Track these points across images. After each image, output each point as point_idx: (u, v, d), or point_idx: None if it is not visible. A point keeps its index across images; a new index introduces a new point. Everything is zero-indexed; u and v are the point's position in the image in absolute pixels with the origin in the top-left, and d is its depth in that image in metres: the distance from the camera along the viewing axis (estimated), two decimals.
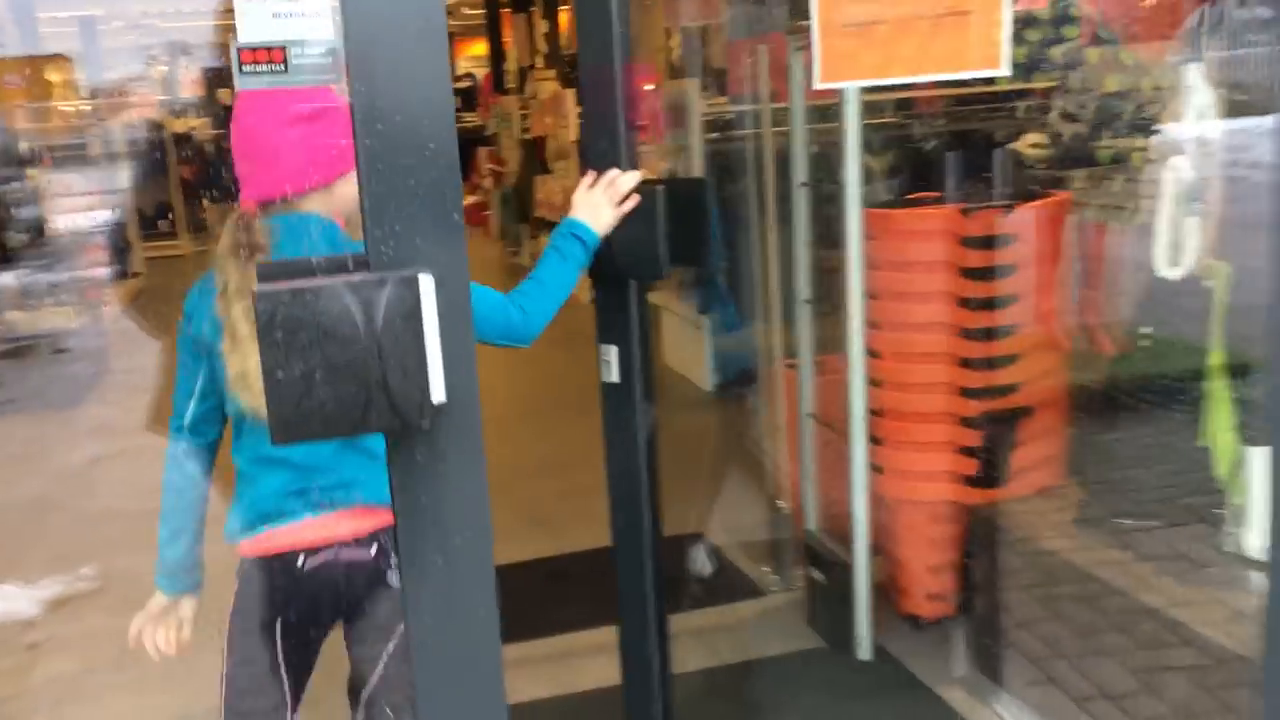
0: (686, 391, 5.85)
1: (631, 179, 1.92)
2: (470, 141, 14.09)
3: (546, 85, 9.45)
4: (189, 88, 22.41)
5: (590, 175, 1.95)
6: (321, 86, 1.93)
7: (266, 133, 1.81)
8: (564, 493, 4.45)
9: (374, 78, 1.14)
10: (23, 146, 9.75)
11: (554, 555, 3.88)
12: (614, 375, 2.09)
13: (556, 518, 4.23)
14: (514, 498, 4.46)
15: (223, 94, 19.43)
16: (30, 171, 8.41)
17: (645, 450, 2.14)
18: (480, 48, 18.87)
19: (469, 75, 18.81)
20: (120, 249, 10.31)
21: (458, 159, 1.18)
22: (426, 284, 1.15)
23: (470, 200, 13.73)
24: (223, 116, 18.16)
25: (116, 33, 19.37)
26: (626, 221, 1.94)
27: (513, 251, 10.63)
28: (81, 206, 10.19)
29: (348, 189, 1.84)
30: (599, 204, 1.91)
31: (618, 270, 1.97)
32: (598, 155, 1.98)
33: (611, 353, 2.07)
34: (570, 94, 8.46)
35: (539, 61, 10.71)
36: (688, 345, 6.01)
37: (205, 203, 14.16)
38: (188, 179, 13.18)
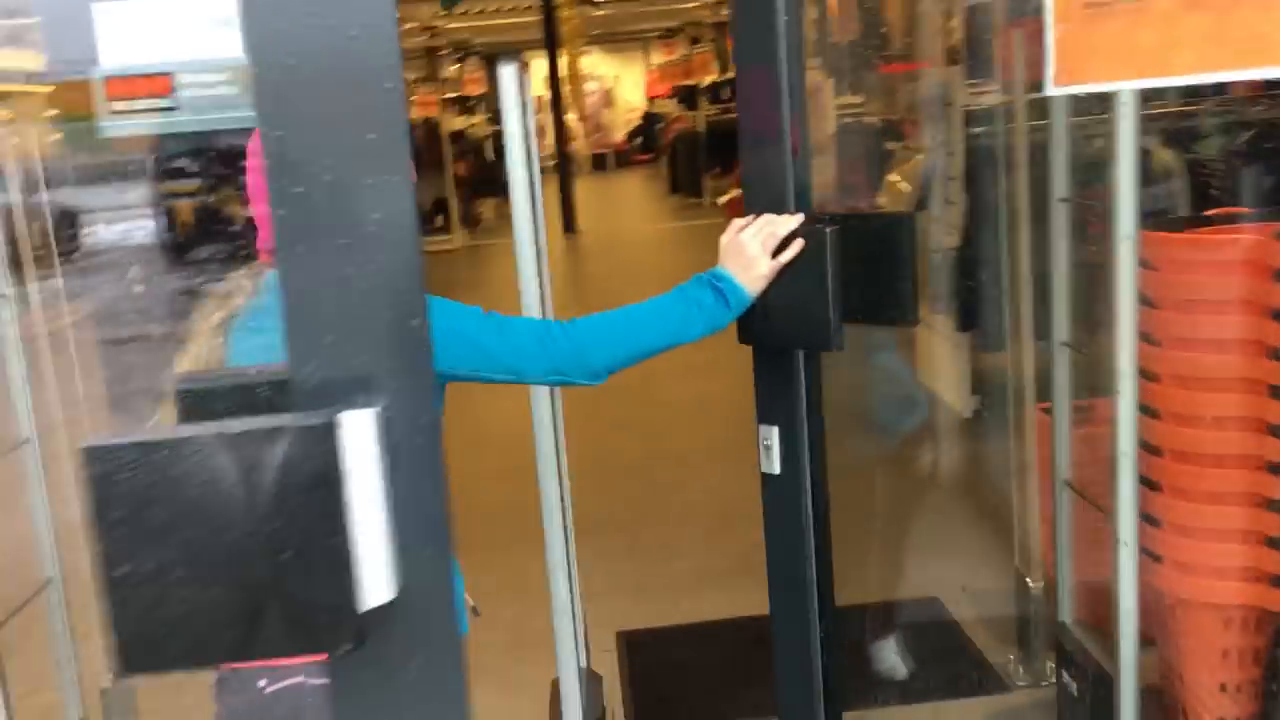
0: (940, 415, 5.25)
1: (791, 222, 1.47)
2: (736, 134, 13.76)
3: (807, 75, 8.94)
4: (469, 86, 23.22)
5: (744, 219, 1.53)
6: None
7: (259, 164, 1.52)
8: None
9: (288, 115, 0.76)
10: None
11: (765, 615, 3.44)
12: (774, 464, 1.65)
13: None
14: (732, 540, 4.05)
15: None
16: None
17: (814, 554, 1.69)
18: None
19: None
20: None
21: (417, 235, 0.78)
22: (358, 427, 0.76)
23: (734, 194, 13.41)
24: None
25: (409, 34, 20.28)
26: (788, 275, 1.49)
27: None
28: None
29: None
30: (751, 253, 1.49)
31: (777, 336, 1.53)
32: (758, 187, 1.55)
33: (772, 435, 1.63)
34: (829, 84, 7.92)
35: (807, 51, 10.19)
36: (944, 362, 5.39)
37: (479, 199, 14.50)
38: (463, 175, 13.47)
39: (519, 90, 2.20)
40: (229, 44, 0.77)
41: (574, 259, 12.69)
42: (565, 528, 2.80)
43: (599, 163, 23.91)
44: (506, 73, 2.18)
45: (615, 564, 3.93)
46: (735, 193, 13.68)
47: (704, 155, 15.21)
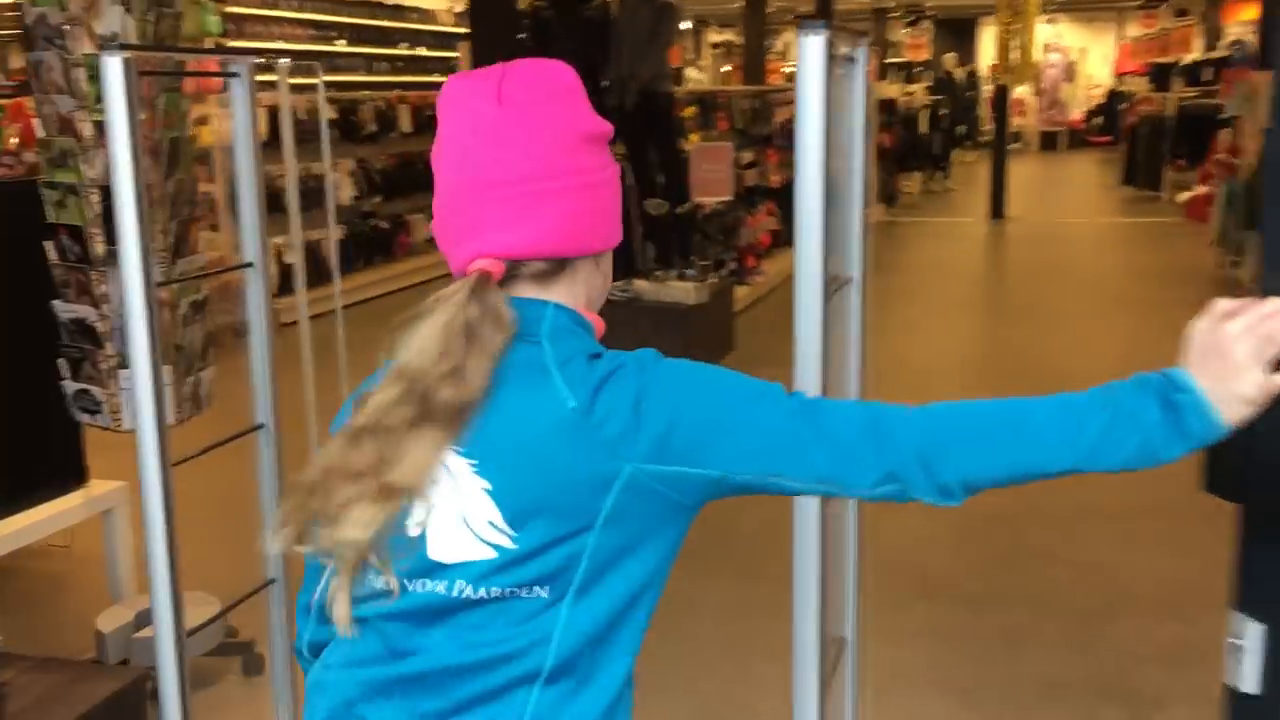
0: None
1: None
2: (1209, 122, 11.97)
3: None
4: (913, 51, 22.19)
5: (1234, 302, 0.94)
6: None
7: (548, 152, 1.10)
8: (1165, 651, 3.15)
9: None
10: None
11: None
12: (1248, 679, 1.04)
13: (1145, 691, 2.96)
14: (1101, 643, 3.25)
15: (947, 59, 18.86)
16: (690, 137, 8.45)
17: None
18: (1252, 11, 16.15)
19: (1237, 43, 16.19)
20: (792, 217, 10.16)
21: None
22: None
23: (1199, 190, 11.68)
24: (945, 82, 17.56)
25: None
26: None
27: (1233, 262, 8.71)
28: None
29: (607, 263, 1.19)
30: (1238, 359, 0.91)
31: (1268, 494, 0.92)
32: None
33: (1250, 635, 1.02)
34: None
35: None
36: None
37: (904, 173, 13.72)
38: (886, 147, 12.74)
39: (825, 70, 1.63)
40: None
41: (992, 249, 11.65)
42: (846, 581, 2.15)
43: (1049, 141, 22.15)
44: (811, 44, 1.62)
45: (944, 646, 3.26)
46: (1200, 190, 11.93)
47: (1169, 143, 13.46)
